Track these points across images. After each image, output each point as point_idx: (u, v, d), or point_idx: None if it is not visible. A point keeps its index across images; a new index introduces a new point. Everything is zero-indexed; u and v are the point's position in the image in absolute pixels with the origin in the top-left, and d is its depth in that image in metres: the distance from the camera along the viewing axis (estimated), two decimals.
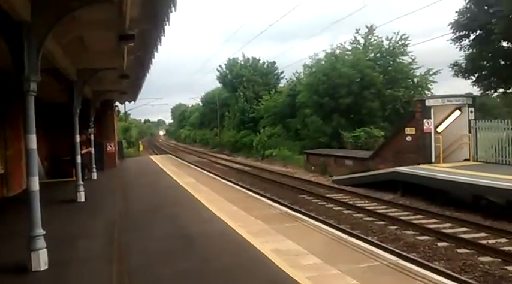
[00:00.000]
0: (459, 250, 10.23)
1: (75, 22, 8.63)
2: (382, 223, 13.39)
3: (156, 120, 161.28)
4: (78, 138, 13.01)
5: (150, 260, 6.74)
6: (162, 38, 11.17)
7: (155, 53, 13.31)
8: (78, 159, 12.91)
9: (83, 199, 12.71)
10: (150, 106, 63.26)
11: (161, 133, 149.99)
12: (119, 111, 36.06)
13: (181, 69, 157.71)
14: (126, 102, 33.08)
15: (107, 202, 13.15)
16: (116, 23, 8.81)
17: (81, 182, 12.84)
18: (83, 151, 15.01)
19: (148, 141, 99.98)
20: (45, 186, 12.27)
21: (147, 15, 9.13)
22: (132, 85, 20.03)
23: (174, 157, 37.35)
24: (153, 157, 36.50)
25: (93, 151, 18.98)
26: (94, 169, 18.93)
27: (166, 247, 7.53)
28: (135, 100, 30.37)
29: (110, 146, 24.81)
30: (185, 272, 6.18)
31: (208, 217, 9.74)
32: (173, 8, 8.41)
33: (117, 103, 29.63)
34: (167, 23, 9.48)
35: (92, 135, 19.24)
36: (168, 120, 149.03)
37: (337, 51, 34.84)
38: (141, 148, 52.37)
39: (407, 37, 33.40)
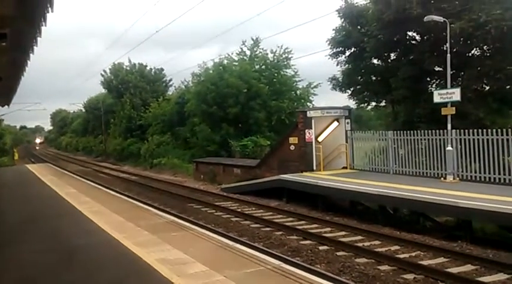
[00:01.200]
0: (338, 253, 10.90)
1: None
2: (268, 229, 13.81)
3: (33, 126, 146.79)
4: None
5: (29, 276, 6.26)
6: (39, 39, 10.50)
7: (31, 55, 12.44)
8: None
9: None
10: (27, 111, 58.48)
11: (37, 140, 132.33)
12: None
13: (61, 73, 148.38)
14: None
15: None
16: None
17: None
18: None
19: (25, 149, 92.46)
20: None
21: (21, 13, 8.49)
22: (5, 89, 18.45)
23: (54, 167, 35.00)
24: (30, 167, 33.86)
25: None
26: None
27: (47, 261, 7.07)
28: (8, 105, 27.99)
29: None
30: None
31: (92, 229, 9.30)
32: (50, 9, 7.96)
33: None
34: (44, 23, 8.93)
35: None
36: (48, 126, 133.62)
37: (225, 61, 35.35)
38: (16, 157, 48.23)
39: (290, 51, 34.96)
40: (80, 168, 41.55)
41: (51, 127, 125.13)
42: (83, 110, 72.21)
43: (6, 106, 28.64)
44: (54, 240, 8.51)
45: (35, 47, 11.31)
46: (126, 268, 6.63)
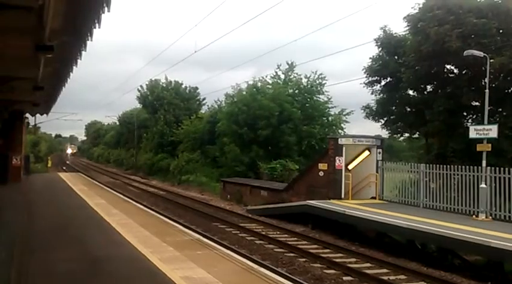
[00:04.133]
0: None
1: None
2: (292, 254, 13.67)
3: (68, 136, 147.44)
4: None
5: None
6: (83, 52, 10.88)
7: (74, 67, 12.89)
8: None
9: None
10: (63, 120, 60.33)
11: (69, 151, 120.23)
12: (28, 123, 34.01)
13: (100, 85, 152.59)
14: (38, 114, 31.28)
15: (8, 218, 12.26)
16: (35, 32, 8.40)
17: None
18: None
19: (58, 158, 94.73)
20: None
21: (69, 27, 8.84)
22: (46, 98, 19.14)
23: (85, 177, 35.71)
24: (62, 175, 34.64)
25: None
26: None
27: (72, 270, 7.16)
28: (47, 113, 28.96)
29: (16, 159, 23.29)
30: None
31: (119, 241, 9.41)
32: (97, 24, 8.26)
33: (27, 115, 28.00)
34: (90, 38, 9.27)
35: None
36: (82, 136, 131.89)
37: (259, 84, 35.68)
38: (49, 165, 49.45)
39: (324, 77, 35.10)
40: (110, 180, 42.26)
41: (85, 138, 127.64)
42: (117, 123, 73.79)
43: (44, 115, 29.62)
44: (82, 250, 8.65)
45: (78, 60, 11.73)
46: (150, 283, 6.67)
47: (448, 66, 21.68)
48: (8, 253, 8.09)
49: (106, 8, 7.35)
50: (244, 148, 32.31)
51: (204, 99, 51.98)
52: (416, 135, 25.43)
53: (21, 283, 6.40)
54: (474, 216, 14.98)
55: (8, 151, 21.63)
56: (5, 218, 12.21)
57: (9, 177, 21.03)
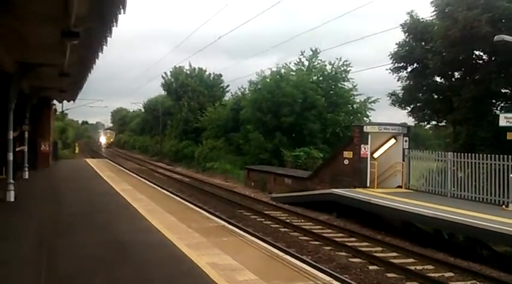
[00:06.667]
0: (389, 274, 10.59)
1: (16, 12, 8.21)
2: (317, 243, 13.64)
3: (94, 122, 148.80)
4: (12, 135, 12.36)
5: (82, 268, 6.50)
6: (108, 38, 10.91)
7: (99, 54, 12.95)
8: (10, 156, 12.28)
9: (12, 199, 12.10)
10: (90, 107, 61.20)
11: (102, 139, 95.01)
12: (56, 110, 34.64)
13: (124, 72, 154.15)
14: (64, 101, 31.79)
15: (37, 203, 12.56)
16: (61, 19, 8.47)
17: (11, 181, 12.21)
18: (17, 149, 14.29)
19: (85, 144, 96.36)
20: None
21: (94, 13, 8.84)
22: (72, 84, 19.34)
23: (111, 163, 36.28)
24: (89, 161, 35.23)
25: (26, 150, 18.07)
26: (26, 168, 18.01)
27: (100, 255, 7.28)
28: (74, 100, 29.35)
29: (45, 145, 23.79)
30: (119, 282, 5.99)
31: (145, 227, 9.52)
32: (122, 10, 8.25)
33: (55, 102, 28.48)
34: (115, 24, 9.26)
35: (26, 133, 18.35)
36: (107, 123, 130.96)
37: (283, 71, 35.43)
38: (76, 151, 50.39)
39: (349, 63, 34.61)
40: (136, 166, 42.83)
41: (111, 124, 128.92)
42: (142, 110, 74.57)
43: (71, 102, 30.06)
44: (109, 235, 8.78)
45: (104, 47, 11.78)
46: (177, 269, 6.74)
47: (476, 52, 21.10)
48: (38, 238, 8.26)
49: None
50: (268, 136, 32.26)
51: (227, 86, 52.05)
52: (443, 123, 24.93)
53: (51, 267, 6.53)
54: (504, 206, 14.62)
55: (36, 137, 22.06)
56: (35, 204, 12.49)
57: (38, 163, 21.47)
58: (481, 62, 21.19)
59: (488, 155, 15.83)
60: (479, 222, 11.92)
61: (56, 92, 21.24)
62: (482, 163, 15.96)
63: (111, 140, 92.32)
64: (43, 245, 7.69)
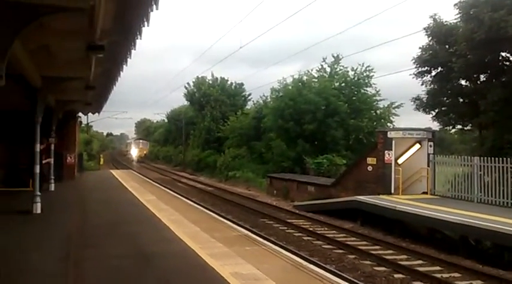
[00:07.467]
0: (414, 283, 10.39)
1: (44, 29, 8.45)
2: (340, 251, 13.49)
3: (118, 134, 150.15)
4: (38, 147, 12.64)
5: (108, 279, 6.57)
6: (132, 51, 11.11)
7: (124, 66, 13.19)
8: (37, 169, 12.53)
9: (39, 211, 12.32)
10: (114, 119, 62.04)
11: (134, 151, 78.33)
12: (81, 122, 35.29)
13: (148, 84, 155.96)
14: (90, 114, 32.38)
15: (64, 215, 12.77)
16: (86, 33, 8.68)
17: (38, 193, 12.46)
18: (43, 161, 14.60)
19: (110, 155, 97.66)
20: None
21: (118, 27, 9.04)
22: (97, 97, 19.73)
23: (136, 173, 36.72)
24: (114, 172, 35.76)
25: (52, 162, 18.45)
26: (52, 180, 18.38)
27: (125, 265, 7.35)
28: (99, 112, 29.86)
29: (70, 157, 24.24)
30: None
31: (170, 237, 9.59)
32: (146, 23, 8.40)
33: (80, 114, 29.03)
34: (139, 36, 9.44)
35: (53, 145, 18.74)
36: (132, 134, 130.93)
37: (304, 78, 35.40)
38: (101, 162, 51.18)
39: (372, 69, 34.31)
40: (159, 176, 43.23)
41: (135, 135, 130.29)
42: (166, 120, 75.30)
43: (96, 114, 30.60)
44: (134, 246, 8.86)
45: (128, 59, 12.00)
46: (200, 279, 6.76)
47: (503, 54, 20.68)
48: (64, 248, 8.40)
49: (154, 6, 7.46)
50: (291, 143, 32.19)
51: (249, 94, 52.29)
52: (468, 127, 24.47)
53: (78, 278, 6.63)
54: None
55: (62, 150, 22.49)
56: (61, 216, 12.71)
57: (64, 175, 21.88)
58: (508, 63, 20.77)
59: None
60: (507, 228, 11.62)
61: (81, 105, 21.65)
62: (510, 168, 15.59)
63: (145, 153, 78.36)
64: (70, 257, 7.80)
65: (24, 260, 7.55)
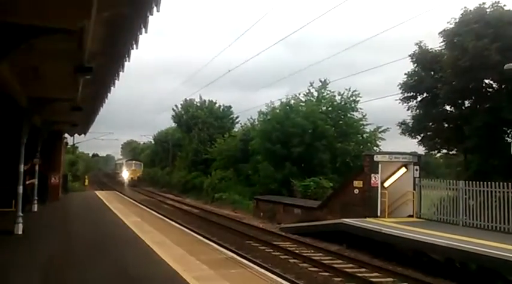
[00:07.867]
0: None
1: (32, 50, 8.43)
2: (326, 274, 13.43)
3: (104, 155, 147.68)
4: (22, 168, 12.49)
5: None
6: (121, 73, 11.13)
7: (111, 88, 13.19)
8: (20, 190, 12.36)
9: (20, 232, 12.10)
10: (100, 140, 61.54)
11: (125, 174, 67.64)
12: (67, 143, 35.01)
13: (136, 105, 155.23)
14: (76, 134, 32.16)
15: (46, 236, 12.56)
16: (75, 55, 8.66)
17: (20, 213, 12.25)
18: (27, 182, 14.41)
19: (95, 176, 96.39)
20: None
21: (107, 49, 9.07)
22: (84, 118, 19.62)
23: (120, 194, 36.32)
24: (98, 193, 35.33)
25: (36, 182, 18.22)
26: (35, 201, 18.11)
27: None
28: (85, 133, 29.71)
29: (55, 178, 23.97)
30: None
31: (154, 260, 9.47)
32: (135, 46, 8.45)
33: (66, 135, 28.82)
34: (127, 59, 9.47)
35: (37, 166, 18.53)
36: (118, 155, 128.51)
37: (292, 102, 35.67)
38: (86, 183, 50.61)
39: (358, 93, 34.70)
40: (145, 198, 42.80)
41: (120, 157, 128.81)
42: (152, 142, 74.96)
43: (82, 135, 30.42)
44: (118, 268, 8.73)
45: (116, 80, 12.01)
46: None
47: (486, 81, 21.15)
48: (47, 269, 8.25)
49: (144, 30, 7.52)
50: (278, 166, 32.20)
51: (237, 117, 52.51)
52: (454, 151, 24.78)
53: None
54: None
55: (47, 170, 22.23)
56: (42, 237, 12.50)
57: (48, 196, 21.59)
58: (491, 90, 21.22)
59: (501, 183, 15.65)
60: (492, 251, 11.72)
61: (67, 126, 21.55)
62: (495, 192, 15.78)
63: (138, 175, 68.90)
64: (49, 278, 7.66)
65: (2, 280, 7.39)
